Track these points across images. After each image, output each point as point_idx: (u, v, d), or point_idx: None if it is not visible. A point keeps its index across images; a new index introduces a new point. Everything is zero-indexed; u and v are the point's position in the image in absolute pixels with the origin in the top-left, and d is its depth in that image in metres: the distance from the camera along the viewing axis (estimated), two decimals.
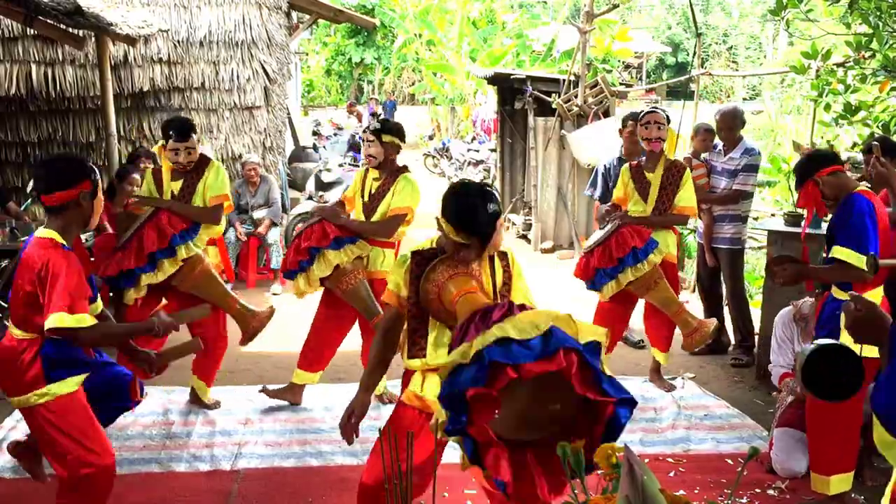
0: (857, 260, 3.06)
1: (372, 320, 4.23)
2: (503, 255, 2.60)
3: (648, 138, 4.43)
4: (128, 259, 4.04)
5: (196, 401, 4.48)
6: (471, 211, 2.34)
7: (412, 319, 2.58)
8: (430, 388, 2.57)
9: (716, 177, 5.21)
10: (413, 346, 2.59)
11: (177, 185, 4.25)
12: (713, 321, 4.59)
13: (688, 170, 4.54)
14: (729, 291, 5.40)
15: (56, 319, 2.65)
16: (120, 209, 5.17)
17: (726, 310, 5.58)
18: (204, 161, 4.29)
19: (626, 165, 4.64)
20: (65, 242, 2.80)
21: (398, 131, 4.32)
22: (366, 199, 4.36)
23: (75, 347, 2.90)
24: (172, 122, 4.27)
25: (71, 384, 2.86)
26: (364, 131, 4.40)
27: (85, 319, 2.72)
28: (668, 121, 4.51)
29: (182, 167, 4.19)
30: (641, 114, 4.59)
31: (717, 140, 5.34)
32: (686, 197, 4.44)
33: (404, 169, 4.36)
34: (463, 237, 2.35)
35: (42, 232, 2.82)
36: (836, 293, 3.29)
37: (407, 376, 2.71)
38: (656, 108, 4.62)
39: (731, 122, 5.16)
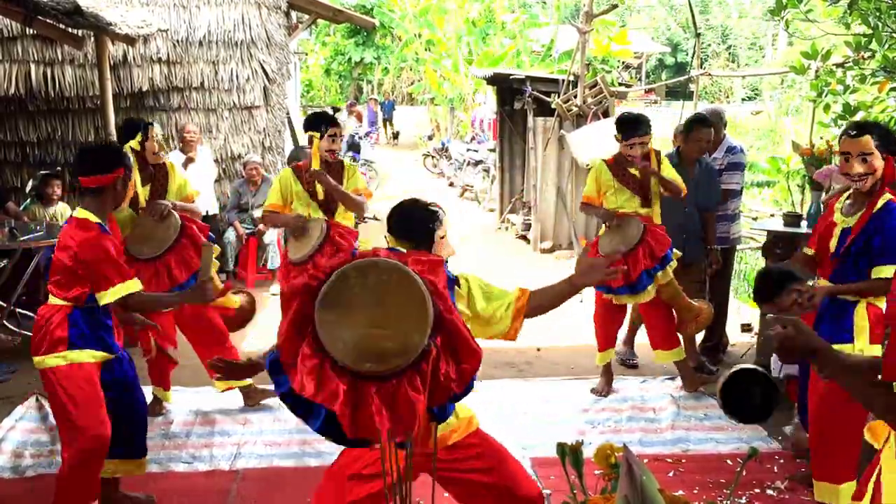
0: None
1: None
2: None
3: (633, 156, 4.42)
4: (155, 285, 4.01)
5: (256, 395, 4.46)
6: (407, 219, 2.45)
7: None
8: None
9: None
10: None
11: (146, 191, 4.25)
12: (709, 304, 4.67)
13: (662, 153, 4.58)
14: (711, 290, 5.38)
15: (109, 294, 3.02)
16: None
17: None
18: (161, 163, 4.31)
19: (603, 163, 4.59)
20: (101, 221, 3.07)
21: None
22: (321, 197, 4.32)
23: (103, 326, 3.14)
24: (137, 121, 4.36)
25: (87, 355, 3.07)
26: (328, 125, 4.27)
27: (133, 285, 3.07)
28: (649, 126, 4.47)
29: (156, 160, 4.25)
30: (626, 132, 4.42)
31: None
32: (671, 176, 4.45)
33: (340, 159, 4.44)
34: (404, 244, 2.38)
35: (78, 212, 3.08)
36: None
37: None
38: (639, 121, 4.45)
39: (716, 123, 5.17)
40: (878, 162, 3.02)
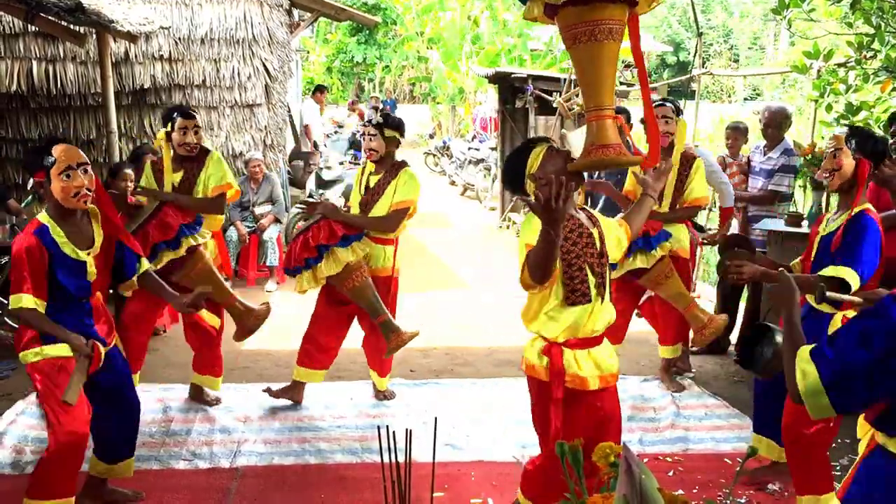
0: (850, 276, 2.92)
1: (377, 318, 4.24)
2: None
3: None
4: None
5: (197, 397, 4.48)
6: None
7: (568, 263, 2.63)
8: (586, 361, 2.68)
9: (754, 176, 5.20)
10: (573, 292, 2.62)
11: (177, 177, 4.25)
12: (724, 317, 4.57)
13: (699, 159, 4.47)
14: (752, 291, 5.38)
15: (12, 300, 2.97)
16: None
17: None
18: (203, 151, 4.31)
19: None
20: (48, 223, 3.01)
21: (399, 126, 4.34)
22: (363, 193, 4.34)
23: (81, 322, 3.11)
24: (174, 107, 4.37)
25: (62, 349, 3.02)
26: (365, 124, 4.37)
27: (21, 300, 2.95)
28: (679, 112, 4.45)
29: (190, 149, 4.20)
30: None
31: (760, 141, 5.32)
32: (697, 188, 4.41)
33: (404, 164, 4.36)
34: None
35: (39, 214, 3.06)
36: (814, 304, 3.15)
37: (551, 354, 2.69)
38: (665, 101, 4.53)
39: (780, 121, 5.15)
40: (847, 160, 3.07)
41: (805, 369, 1.74)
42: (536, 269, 2.49)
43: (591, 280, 2.64)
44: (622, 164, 2.63)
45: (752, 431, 3.66)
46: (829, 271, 2.97)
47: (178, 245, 4.12)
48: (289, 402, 4.49)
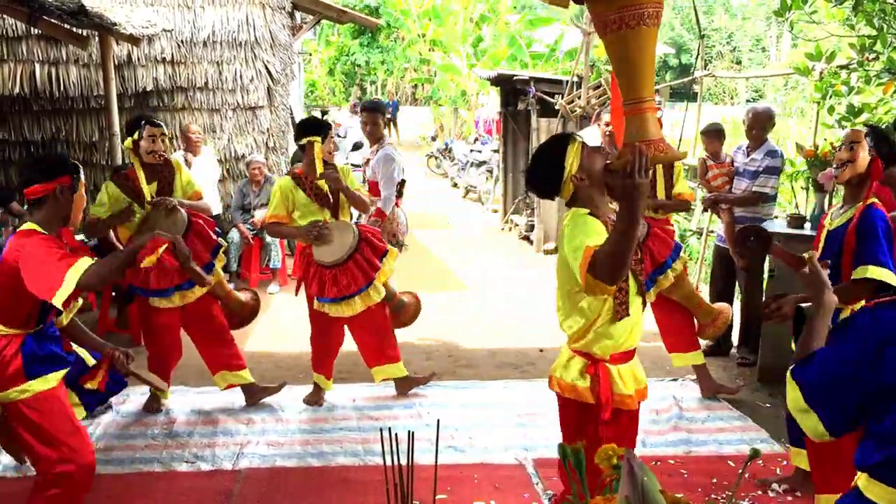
0: (883, 275, 2.94)
1: (392, 300, 4.52)
2: None
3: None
4: (170, 275, 4.06)
5: (258, 393, 4.49)
6: None
7: None
8: (629, 378, 2.53)
9: (738, 178, 5.19)
10: (621, 304, 2.43)
11: (153, 188, 4.23)
12: (727, 306, 4.65)
13: (678, 162, 4.53)
14: (745, 292, 5.36)
15: (64, 290, 2.65)
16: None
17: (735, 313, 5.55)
18: (167, 161, 4.30)
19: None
20: (46, 232, 2.81)
21: None
22: (317, 200, 4.28)
23: (53, 340, 2.92)
24: (139, 116, 4.31)
25: (51, 380, 2.85)
26: (329, 129, 4.38)
27: (83, 263, 2.69)
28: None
29: (158, 157, 4.18)
30: None
31: (742, 141, 5.33)
32: (683, 185, 4.51)
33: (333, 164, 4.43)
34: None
35: (23, 226, 2.85)
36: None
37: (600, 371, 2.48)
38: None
39: (764, 123, 5.14)
40: (863, 154, 3.09)
41: (790, 391, 1.78)
42: (615, 263, 2.17)
43: (633, 289, 2.47)
44: (666, 160, 2.40)
45: (789, 445, 3.62)
46: (863, 273, 2.98)
47: (212, 268, 4.26)
48: (289, 404, 4.51)
